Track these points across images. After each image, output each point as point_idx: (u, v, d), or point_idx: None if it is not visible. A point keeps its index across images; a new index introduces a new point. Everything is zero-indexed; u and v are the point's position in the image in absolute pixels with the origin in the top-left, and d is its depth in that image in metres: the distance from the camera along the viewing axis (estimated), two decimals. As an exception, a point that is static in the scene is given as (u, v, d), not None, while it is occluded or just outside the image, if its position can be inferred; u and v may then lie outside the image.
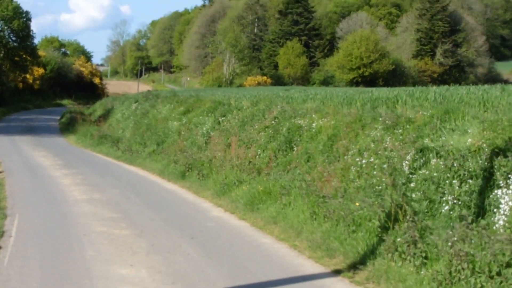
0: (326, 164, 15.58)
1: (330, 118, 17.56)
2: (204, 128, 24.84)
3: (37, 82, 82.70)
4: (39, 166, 24.57)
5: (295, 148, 17.74)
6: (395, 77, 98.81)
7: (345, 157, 15.01)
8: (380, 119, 14.72)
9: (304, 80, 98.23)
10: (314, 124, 17.84)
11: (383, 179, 12.55)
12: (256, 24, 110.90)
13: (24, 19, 67.07)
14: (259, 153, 19.02)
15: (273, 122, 19.95)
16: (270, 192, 14.52)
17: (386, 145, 13.66)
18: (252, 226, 13.45)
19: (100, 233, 12.57)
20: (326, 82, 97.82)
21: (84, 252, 11.15)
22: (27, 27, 67.75)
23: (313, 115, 18.43)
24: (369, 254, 10.40)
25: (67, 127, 44.57)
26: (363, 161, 13.97)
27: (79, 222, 13.73)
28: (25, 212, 14.70)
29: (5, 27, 66.10)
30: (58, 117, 55.30)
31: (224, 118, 24.37)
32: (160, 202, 16.48)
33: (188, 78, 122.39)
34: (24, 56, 68.36)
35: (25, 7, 66.77)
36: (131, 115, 38.03)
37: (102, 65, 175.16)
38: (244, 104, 24.41)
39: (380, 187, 12.70)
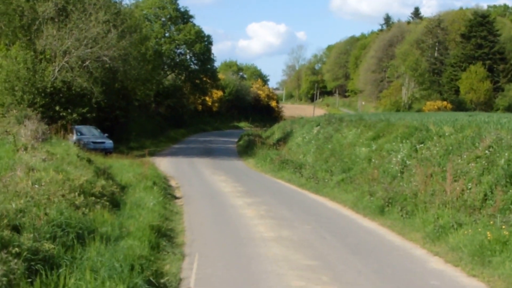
0: None
1: None
2: (399, 156, 22.35)
3: (216, 104, 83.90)
4: (219, 192, 23.24)
5: (518, 184, 14.94)
6: None
7: None
8: None
9: (487, 105, 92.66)
10: (543, 156, 14.98)
11: None
12: (436, 48, 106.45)
13: (206, 43, 67.97)
14: (469, 187, 16.33)
15: (486, 151, 17.15)
16: (506, 241, 11.81)
17: None
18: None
19: (298, 288, 10.43)
20: (511, 108, 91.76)
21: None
22: (208, 50, 68.62)
23: (541, 145, 15.55)
24: None
25: (245, 150, 43.70)
26: None
27: (270, 270, 11.55)
28: (205, 251, 12.96)
29: (188, 51, 67.26)
30: (236, 140, 54.93)
31: (422, 145, 21.77)
32: (362, 245, 14.13)
33: (363, 102, 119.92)
34: (204, 79, 69.31)
35: (206, 33, 68.49)
36: (312, 139, 36.25)
37: (277, 89, 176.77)
38: (446, 130, 21.70)
39: None
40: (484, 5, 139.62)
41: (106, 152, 32.88)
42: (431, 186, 17.46)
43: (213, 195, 22.47)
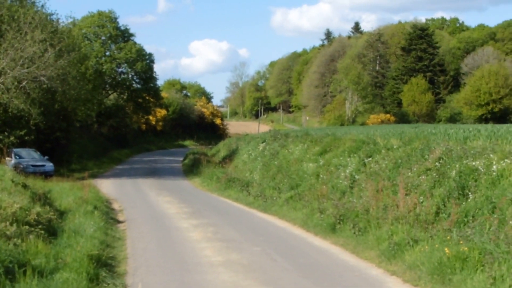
0: (521, 217, 12.38)
1: (516, 159, 14.34)
2: (347, 171, 21.89)
3: (160, 123, 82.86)
4: (164, 214, 22.37)
5: (470, 196, 14.56)
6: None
7: (553, 209, 11.76)
8: None
9: (430, 117, 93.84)
10: (494, 167, 14.62)
11: None
12: (377, 62, 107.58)
13: (148, 62, 66.93)
14: (421, 200, 15.90)
15: (437, 163, 16.77)
16: (466, 257, 11.30)
17: None
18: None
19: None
20: (453, 119, 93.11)
21: None
22: (150, 69, 67.58)
23: (491, 155, 15.21)
24: None
25: (191, 168, 42.86)
26: None
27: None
28: (149, 281, 12.09)
29: (129, 70, 66.10)
30: (181, 158, 54.05)
31: (370, 159, 21.36)
32: (315, 267, 13.41)
33: (308, 118, 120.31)
34: (147, 97, 68.22)
35: (147, 51, 67.47)
36: (258, 156, 35.64)
37: (221, 106, 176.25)
38: (394, 143, 21.34)
39: None
40: (422, 19, 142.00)
41: (46, 175, 31.77)
42: (383, 201, 17.00)
43: (158, 217, 21.59)
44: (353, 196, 19.59)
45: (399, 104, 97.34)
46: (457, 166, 15.86)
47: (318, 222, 17.90)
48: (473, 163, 15.43)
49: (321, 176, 23.70)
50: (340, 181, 21.70)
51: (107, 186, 32.03)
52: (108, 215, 21.17)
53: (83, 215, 18.21)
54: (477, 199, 14.20)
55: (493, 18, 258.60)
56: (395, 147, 20.81)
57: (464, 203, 14.51)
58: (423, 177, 16.88)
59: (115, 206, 24.97)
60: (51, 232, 14.79)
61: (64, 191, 24.30)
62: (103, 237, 15.85)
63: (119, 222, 20.67)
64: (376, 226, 15.41)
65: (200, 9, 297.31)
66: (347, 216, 16.85)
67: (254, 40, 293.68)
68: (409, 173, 17.60)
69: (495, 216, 13.08)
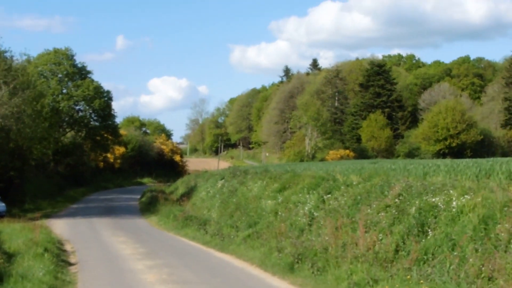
0: (481, 255, 12.11)
1: (475, 195, 14.13)
2: (306, 208, 21.52)
3: (118, 161, 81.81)
4: (119, 255, 21.67)
5: (430, 233, 14.29)
6: (483, 147, 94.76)
7: (513, 246, 11.52)
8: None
9: (388, 152, 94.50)
10: (454, 203, 14.39)
11: None
12: (336, 98, 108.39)
13: (106, 99, 66.16)
14: (380, 238, 15.58)
15: (396, 200, 16.51)
16: (427, 298, 10.95)
17: None
18: None
19: None
20: (411, 154, 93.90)
21: None
22: (109, 106, 66.78)
23: (451, 191, 14.99)
24: None
25: (148, 207, 42.09)
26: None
27: None
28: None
29: (87, 107, 65.23)
30: (138, 196, 53.20)
31: (329, 195, 21.04)
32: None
33: (267, 154, 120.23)
34: (105, 135, 67.31)
35: (105, 88, 66.72)
36: (217, 193, 35.13)
37: (181, 143, 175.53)
38: (353, 179, 21.07)
39: None
40: (379, 55, 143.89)
41: (-3, 216, 30.92)
42: (342, 239, 16.65)
43: (112, 259, 20.90)
44: (311, 234, 19.21)
45: (358, 139, 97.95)
46: (416, 202, 15.61)
47: (276, 262, 17.44)
48: (433, 199, 15.19)
49: (280, 213, 23.30)
50: (299, 219, 21.32)
51: (60, 227, 31.18)
52: (59, 257, 20.42)
53: (32, 258, 17.52)
54: (436, 236, 13.94)
55: (448, 55, 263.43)
56: (354, 183, 20.55)
57: (423, 240, 14.23)
58: (382, 213, 16.59)
59: (68, 247, 24.18)
60: (-3, 277, 14.10)
61: (15, 232, 23.51)
62: (52, 281, 15.19)
63: (70, 264, 19.94)
64: (335, 265, 15.02)
65: (159, 47, 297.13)
66: (306, 255, 16.43)
67: (213, 77, 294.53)
68: (369, 210, 17.30)
69: (455, 253, 12.81)
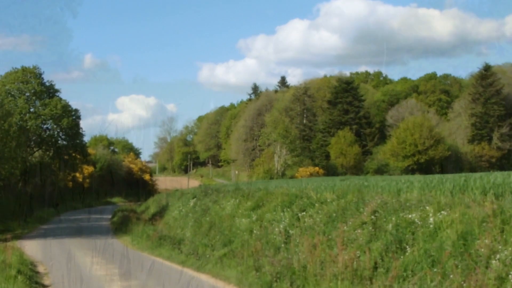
0: (461, 271, 12.20)
1: (452, 210, 14.26)
2: (281, 226, 21.53)
3: (87, 180, 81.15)
4: (92, 276, 21.38)
5: (408, 250, 14.37)
6: (451, 163, 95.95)
7: (493, 261, 11.61)
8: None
9: (357, 169, 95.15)
10: (431, 219, 14.51)
11: None
12: (304, 115, 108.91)
13: (74, 118, 65.58)
14: (358, 255, 15.61)
15: (372, 217, 16.60)
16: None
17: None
18: None
19: None
20: (380, 170, 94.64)
21: None
22: (77, 125, 66.18)
23: (427, 207, 15.11)
24: None
25: (120, 226, 41.70)
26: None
27: None
28: None
29: (55, 126, 64.60)
30: (109, 216, 52.69)
31: (304, 213, 21.07)
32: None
33: (237, 172, 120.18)
34: (73, 154, 66.68)
35: (73, 107, 66.09)
36: (189, 212, 34.94)
37: (150, 161, 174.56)
38: (327, 196, 21.13)
39: None
40: (346, 73, 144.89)
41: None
42: (319, 257, 16.64)
43: (86, 280, 20.61)
44: (288, 252, 19.18)
45: (327, 156, 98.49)
46: (393, 219, 15.70)
47: (254, 281, 17.35)
48: (409, 216, 15.29)
49: (255, 231, 23.25)
50: (274, 237, 21.30)
51: (32, 248, 30.72)
52: (33, 279, 20.09)
53: (5, 281, 17.25)
54: (415, 253, 14.00)
55: (415, 72, 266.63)
56: (329, 200, 20.60)
57: (402, 257, 14.29)
58: (359, 231, 16.65)
59: (41, 269, 23.82)
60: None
61: (-14, 254, 23.09)
62: (27, 304, 14.93)
63: (44, 286, 19.65)
64: (314, 284, 15.00)
65: (127, 65, 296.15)
66: (284, 273, 16.39)
67: (181, 95, 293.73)
68: (345, 227, 17.35)
69: (435, 270, 12.88)
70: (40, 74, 63.80)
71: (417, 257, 13.77)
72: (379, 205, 16.89)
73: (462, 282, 11.84)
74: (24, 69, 63.16)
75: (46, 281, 20.63)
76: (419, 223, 14.79)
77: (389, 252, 14.75)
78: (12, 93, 61.68)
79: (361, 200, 18.37)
